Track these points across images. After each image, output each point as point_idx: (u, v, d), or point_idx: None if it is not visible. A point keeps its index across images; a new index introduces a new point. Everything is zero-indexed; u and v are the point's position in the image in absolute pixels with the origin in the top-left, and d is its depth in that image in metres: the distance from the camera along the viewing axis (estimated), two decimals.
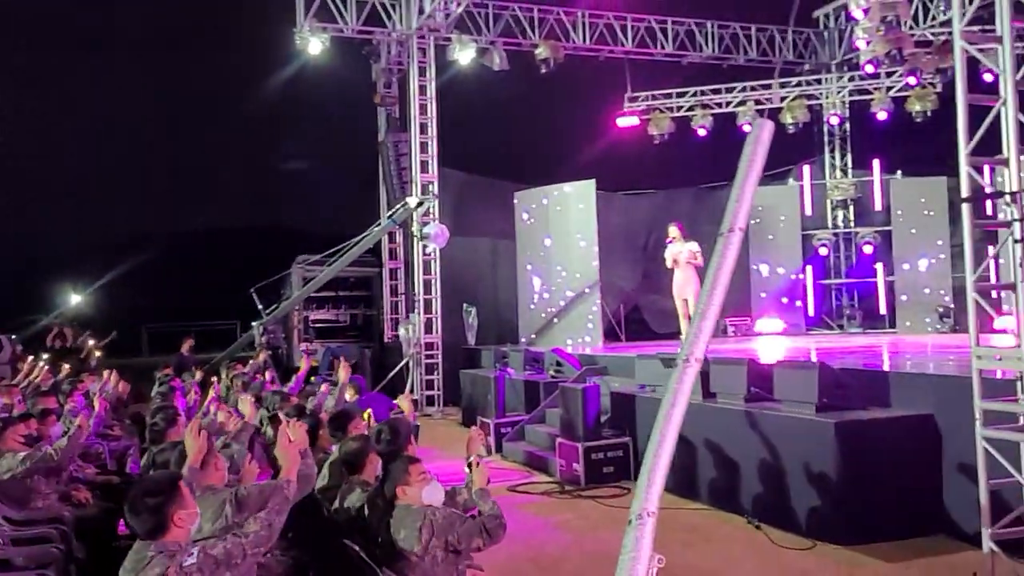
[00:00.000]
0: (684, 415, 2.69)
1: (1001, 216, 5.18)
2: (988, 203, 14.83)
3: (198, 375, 11.81)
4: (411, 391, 14.58)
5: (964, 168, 4.97)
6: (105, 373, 10.91)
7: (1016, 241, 4.66)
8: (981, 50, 5.09)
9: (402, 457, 3.97)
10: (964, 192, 4.95)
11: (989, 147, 5.13)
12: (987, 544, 4.91)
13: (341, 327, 20.82)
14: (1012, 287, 4.86)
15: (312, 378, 10.89)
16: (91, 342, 16.43)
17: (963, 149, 4.96)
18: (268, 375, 10.36)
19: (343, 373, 7.47)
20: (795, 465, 6.86)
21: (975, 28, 5.11)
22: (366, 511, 4.10)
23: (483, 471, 4.03)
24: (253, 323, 13.49)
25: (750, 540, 6.62)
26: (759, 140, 2.92)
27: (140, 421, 10.75)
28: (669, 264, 11.37)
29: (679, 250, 11.20)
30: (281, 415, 5.36)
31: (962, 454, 6.30)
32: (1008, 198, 4.71)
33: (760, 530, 6.79)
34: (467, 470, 4.08)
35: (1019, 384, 4.98)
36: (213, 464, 3.95)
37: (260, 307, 13.62)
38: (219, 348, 21.35)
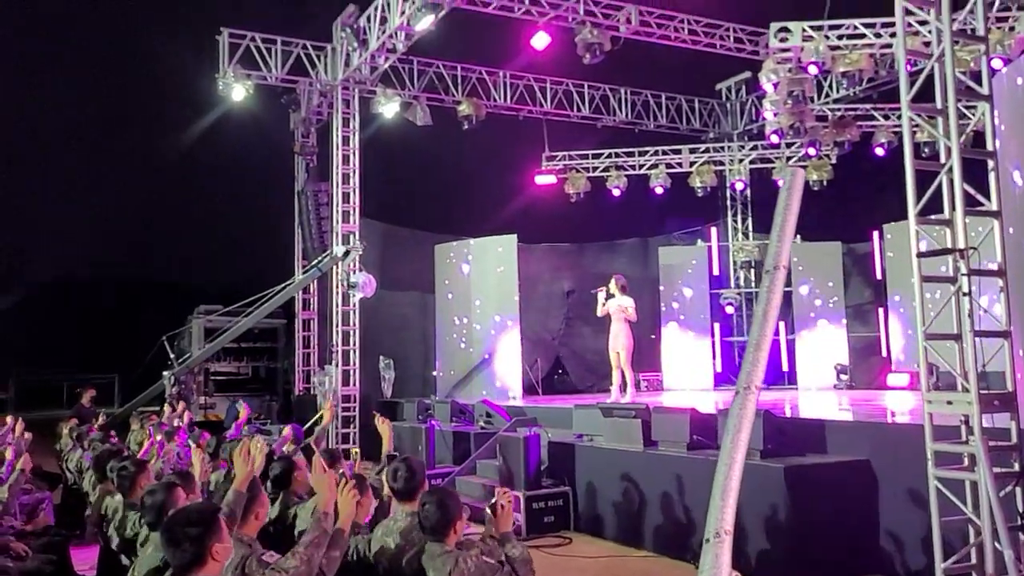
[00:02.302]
0: (746, 450, 2.82)
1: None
2: (877, 265, 16.16)
3: (100, 421, 11.31)
4: (326, 443, 14.24)
5: (913, 227, 5.40)
6: (9, 419, 10.33)
7: (964, 294, 5.08)
8: (925, 120, 5.58)
9: (453, 509, 3.77)
10: (915, 249, 5.37)
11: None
12: None
13: (242, 380, 20.16)
14: (958, 337, 5.27)
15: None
16: None
17: (912, 210, 5.39)
18: (187, 420, 9.99)
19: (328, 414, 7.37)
20: (741, 509, 7.07)
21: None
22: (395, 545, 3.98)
23: (507, 514, 3.86)
24: (164, 372, 12.93)
25: None
26: (793, 187, 3.16)
27: (42, 474, 10.21)
28: (599, 313, 11.57)
29: (615, 304, 11.44)
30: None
31: (897, 497, 6.72)
32: (957, 255, 5.13)
33: None
34: (488, 512, 3.93)
35: (963, 428, 5.35)
36: (254, 513, 3.77)
37: (172, 357, 13.10)
38: (104, 403, 20.22)
